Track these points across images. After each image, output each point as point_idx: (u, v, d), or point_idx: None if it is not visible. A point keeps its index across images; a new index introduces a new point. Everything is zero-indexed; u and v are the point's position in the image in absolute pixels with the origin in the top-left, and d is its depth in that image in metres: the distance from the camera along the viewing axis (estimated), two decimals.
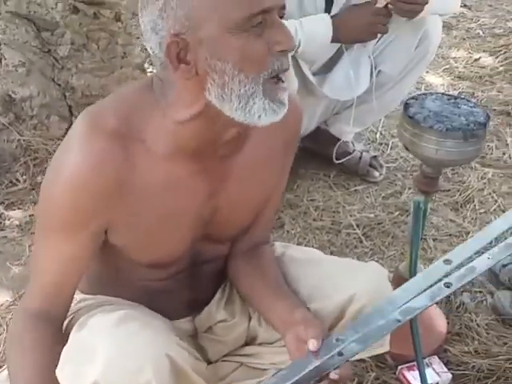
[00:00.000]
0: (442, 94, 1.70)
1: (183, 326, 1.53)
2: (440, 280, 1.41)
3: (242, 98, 1.20)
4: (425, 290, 1.40)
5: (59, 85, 2.70)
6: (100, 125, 1.27)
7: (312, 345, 1.28)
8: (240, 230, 1.51)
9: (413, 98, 1.67)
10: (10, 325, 1.43)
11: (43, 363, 1.31)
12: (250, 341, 1.57)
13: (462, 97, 1.72)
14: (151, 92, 1.30)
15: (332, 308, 1.46)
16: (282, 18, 1.22)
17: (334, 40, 2.15)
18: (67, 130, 2.59)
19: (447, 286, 1.41)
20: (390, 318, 1.37)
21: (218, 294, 1.59)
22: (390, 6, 2.15)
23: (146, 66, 2.99)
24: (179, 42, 1.18)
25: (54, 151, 2.46)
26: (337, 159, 2.52)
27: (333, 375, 1.26)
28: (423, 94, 1.70)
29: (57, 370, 1.31)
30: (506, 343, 1.87)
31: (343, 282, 1.49)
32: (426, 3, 2.13)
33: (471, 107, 1.64)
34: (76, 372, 1.29)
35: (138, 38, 2.91)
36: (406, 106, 1.63)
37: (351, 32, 2.17)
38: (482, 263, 1.41)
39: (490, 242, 1.45)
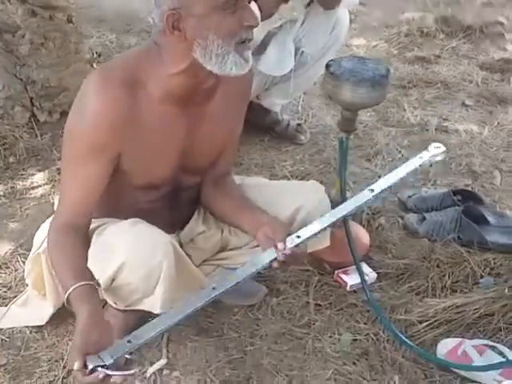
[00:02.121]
0: (353, 56, 2.17)
1: None
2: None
3: (219, 56, 1.63)
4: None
5: (21, 79, 2.93)
6: (112, 77, 1.67)
7: (280, 245, 1.72)
8: (209, 162, 1.92)
9: (331, 60, 2.12)
10: (47, 238, 1.75)
11: (80, 257, 1.68)
12: (223, 247, 2.00)
13: (368, 57, 2.20)
14: (149, 53, 1.71)
15: (284, 217, 1.89)
16: (249, 2, 1.67)
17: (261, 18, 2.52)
18: (30, 118, 2.99)
19: (371, 190, 1.90)
20: (331, 219, 1.85)
21: (195, 214, 2.01)
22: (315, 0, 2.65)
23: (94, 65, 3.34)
24: (175, 13, 1.59)
25: (21, 136, 2.87)
26: (270, 127, 2.99)
27: (288, 251, 1.71)
28: (339, 57, 2.16)
29: (88, 265, 1.70)
30: (414, 249, 2.33)
31: (291, 197, 1.94)
32: None
33: (375, 65, 2.10)
34: (105, 263, 1.69)
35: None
36: (327, 66, 2.07)
37: (270, 5, 2.61)
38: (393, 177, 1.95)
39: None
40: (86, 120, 1.67)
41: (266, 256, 1.74)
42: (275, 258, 1.73)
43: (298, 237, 1.78)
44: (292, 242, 1.76)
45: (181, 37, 1.62)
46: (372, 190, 1.94)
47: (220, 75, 1.69)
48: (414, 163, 2.02)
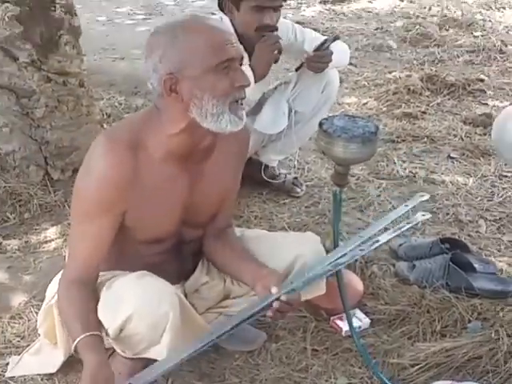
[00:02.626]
0: (344, 115, 2.20)
1: None
2: (356, 247, 1.93)
3: (214, 115, 1.67)
4: (346, 254, 1.90)
5: (36, 140, 2.96)
6: (117, 140, 1.71)
7: (274, 290, 1.74)
8: (209, 216, 1.94)
9: (324, 119, 2.15)
10: (57, 292, 1.78)
11: (88, 309, 1.70)
12: (226, 296, 2.00)
13: (358, 116, 2.23)
14: (150, 116, 1.75)
15: (283, 266, 1.91)
16: (241, 65, 1.71)
17: (256, 79, 2.61)
18: (44, 176, 3.00)
19: (361, 250, 1.92)
20: (324, 268, 1.86)
21: (199, 265, 2.02)
22: (304, 65, 2.71)
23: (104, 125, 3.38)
24: (172, 78, 1.64)
25: (35, 193, 2.91)
26: (268, 181, 3.01)
27: (283, 297, 1.72)
28: (331, 116, 2.19)
29: (99, 315, 1.71)
30: (405, 295, 2.32)
31: (289, 247, 1.96)
32: (330, 61, 2.69)
33: (365, 123, 2.11)
34: (114, 314, 1.70)
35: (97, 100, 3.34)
36: (320, 124, 2.08)
37: (262, 67, 2.64)
38: (383, 237, 1.96)
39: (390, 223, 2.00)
40: (92, 181, 1.70)
41: (262, 301, 1.76)
42: (270, 303, 1.73)
43: (292, 283, 1.80)
44: (286, 287, 1.76)
45: (178, 98, 1.65)
46: (361, 237, 1.95)
47: (217, 134, 1.72)
48: (401, 211, 2.06)
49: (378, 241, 2.01)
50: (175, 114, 1.69)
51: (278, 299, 1.74)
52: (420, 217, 2.05)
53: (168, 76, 1.63)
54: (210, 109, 1.65)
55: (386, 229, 2.08)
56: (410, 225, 2.02)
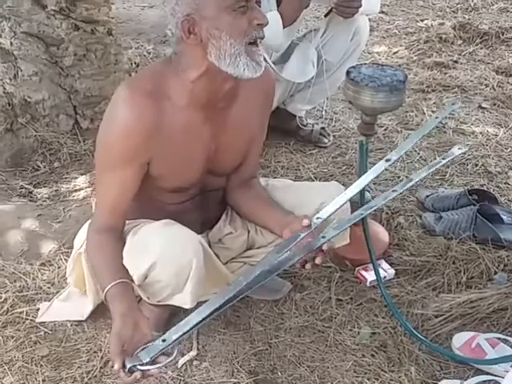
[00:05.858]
0: (372, 63, 2.13)
1: None
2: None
3: (232, 56, 1.62)
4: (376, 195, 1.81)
5: (65, 89, 2.96)
6: (139, 88, 1.67)
7: (305, 222, 1.68)
8: (234, 165, 1.91)
9: (352, 67, 2.09)
10: (86, 240, 1.79)
11: (116, 256, 1.70)
12: (250, 246, 1.98)
13: (386, 64, 2.16)
14: (170, 64, 1.71)
15: (308, 215, 1.87)
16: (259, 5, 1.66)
17: (285, 23, 2.55)
18: (73, 125, 2.99)
19: (394, 190, 1.83)
20: (355, 213, 1.79)
21: (223, 216, 2.00)
22: (334, 10, 2.63)
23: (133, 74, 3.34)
24: (189, 19, 1.60)
25: (65, 142, 2.88)
26: (295, 132, 2.97)
27: (325, 247, 1.66)
28: (359, 64, 2.13)
29: (124, 262, 1.71)
30: (431, 247, 2.30)
31: (314, 196, 1.91)
32: (360, 7, 2.60)
33: (393, 71, 2.06)
34: (139, 261, 1.69)
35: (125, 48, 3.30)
36: (348, 72, 2.04)
37: (291, 11, 2.58)
38: (416, 176, 1.83)
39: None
40: (115, 130, 1.68)
41: (291, 240, 1.67)
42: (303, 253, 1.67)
43: (318, 219, 1.70)
44: (315, 226, 1.68)
45: (196, 40, 1.62)
46: (388, 160, 1.86)
47: (240, 81, 1.68)
48: (432, 123, 1.97)
49: (411, 180, 1.91)
50: (194, 58, 1.65)
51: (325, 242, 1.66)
52: (456, 151, 1.94)
53: (185, 18, 1.59)
54: (227, 49, 1.61)
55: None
56: (446, 160, 1.88)
